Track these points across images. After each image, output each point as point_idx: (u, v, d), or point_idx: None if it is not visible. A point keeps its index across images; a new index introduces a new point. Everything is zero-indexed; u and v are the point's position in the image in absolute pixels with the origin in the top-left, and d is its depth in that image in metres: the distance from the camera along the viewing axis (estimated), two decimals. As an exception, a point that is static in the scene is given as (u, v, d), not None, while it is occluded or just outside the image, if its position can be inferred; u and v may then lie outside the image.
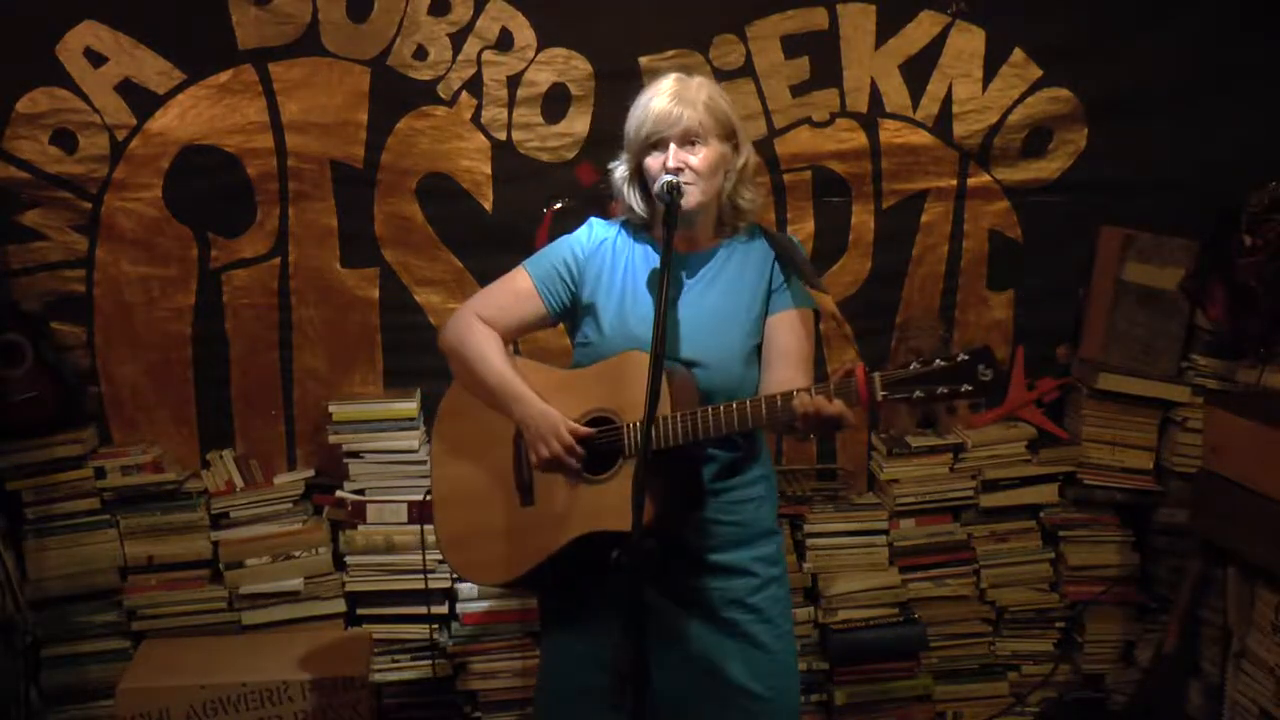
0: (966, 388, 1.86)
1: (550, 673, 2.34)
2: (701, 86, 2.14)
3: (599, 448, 2.11)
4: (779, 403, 1.97)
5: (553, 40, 3.25)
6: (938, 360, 1.87)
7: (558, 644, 2.32)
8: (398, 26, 3.22)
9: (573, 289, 2.23)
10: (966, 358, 1.85)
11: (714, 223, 2.22)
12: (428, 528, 3.17)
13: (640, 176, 2.17)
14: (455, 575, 3.19)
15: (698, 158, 2.10)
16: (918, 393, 1.88)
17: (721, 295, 2.19)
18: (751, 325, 2.19)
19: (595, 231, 2.27)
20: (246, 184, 3.26)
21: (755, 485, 2.23)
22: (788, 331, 2.20)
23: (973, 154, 3.41)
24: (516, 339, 2.43)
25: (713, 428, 2.01)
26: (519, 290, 2.24)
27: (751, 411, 2.00)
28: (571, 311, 2.26)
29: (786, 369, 2.16)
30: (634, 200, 2.20)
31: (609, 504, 2.06)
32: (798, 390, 1.96)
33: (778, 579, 2.25)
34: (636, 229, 2.26)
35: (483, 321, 2.23)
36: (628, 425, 2.08)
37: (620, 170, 2.21)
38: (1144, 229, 3.33)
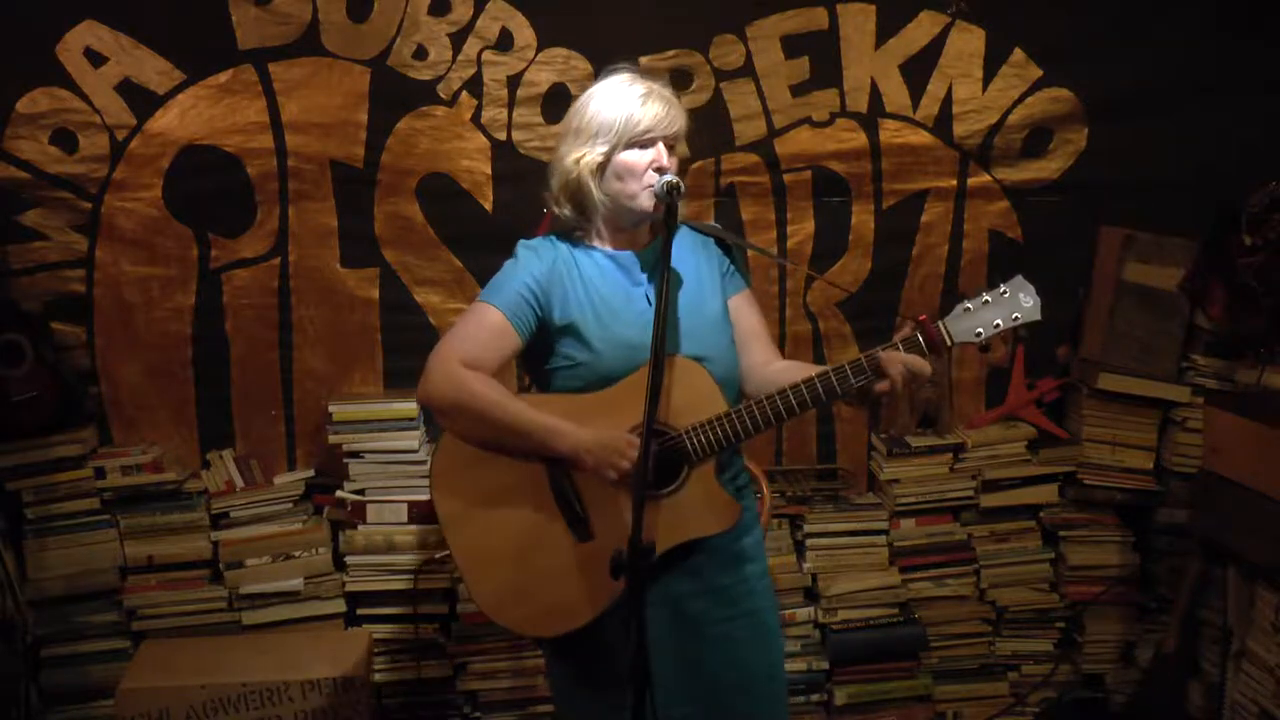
0: (1016, 316, 1.98)
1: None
2: (671, 93, 2.15)
3: (660, 459, 2.04)
4: (850, 371, 1.99)
5: (553, 40, 3.25)
6: (984, 295, 1.99)
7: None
8: (398, 26, 3.22)
9: (540, 314, 2.14)
10: (1007, 290, 1.99)
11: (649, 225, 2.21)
12: (426, 528, 3.19)
13: (603, 169, 2.11)
14: (456, 578, 3.19)
15: (676, 162, 2.13)
16: (979, 331, 1.98)
17: (692, 288, 2.18)
18: (725, 312, 2.21)
19: (540, 253, 2.18)
20: (246, 184, 3.26)
21: (744, 471, 2.27)
22: (750, 312, 2.25)
23: (973, 154, 3.41)
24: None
25: (796, 406, 2.02)
26: (493, 327, 2.11)
27: (836, 383, 2.00)
28: (538, 338, 2.16)
29: (764, 348, 2.23)
30: (595, 190, 2.11)
31: (690, 511, 2.07)
32: (870, 354, 1.99)
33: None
34: (571, 239, 2.21)
35: (470, 367, 2.09)
36: (688, 430, 2.05)
37: (586, 158, 2.10)
38: (1144, 229, 3.33)
